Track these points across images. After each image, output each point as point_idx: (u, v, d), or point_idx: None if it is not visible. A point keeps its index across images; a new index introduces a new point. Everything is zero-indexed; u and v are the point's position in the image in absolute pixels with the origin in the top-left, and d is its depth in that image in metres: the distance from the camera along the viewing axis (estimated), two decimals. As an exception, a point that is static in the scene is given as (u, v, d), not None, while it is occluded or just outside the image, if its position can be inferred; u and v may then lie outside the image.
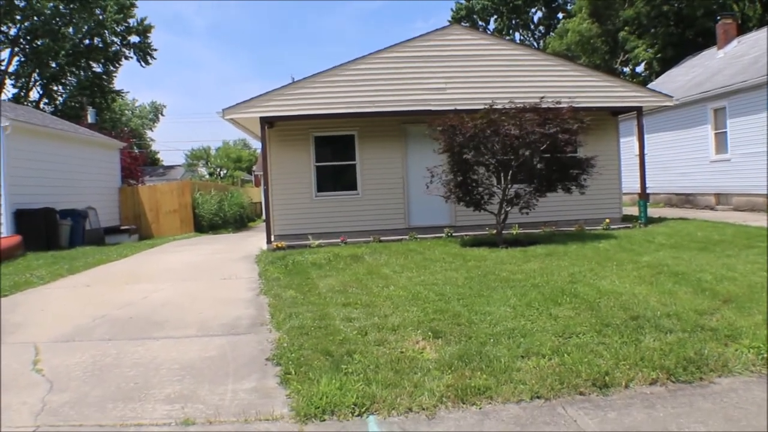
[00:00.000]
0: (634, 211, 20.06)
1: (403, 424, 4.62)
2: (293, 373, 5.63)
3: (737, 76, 23.27)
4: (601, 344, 6.03)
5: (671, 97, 19.52)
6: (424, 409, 4.80)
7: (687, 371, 5.34)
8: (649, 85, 31.59)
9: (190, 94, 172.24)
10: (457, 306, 7.86)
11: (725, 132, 23.04)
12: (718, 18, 31.57)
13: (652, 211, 22.53)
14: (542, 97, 14.78)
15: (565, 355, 5.73)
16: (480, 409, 4.81)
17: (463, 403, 4.87)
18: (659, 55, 44.30)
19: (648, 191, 21.46)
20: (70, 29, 46.75)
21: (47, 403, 5.28)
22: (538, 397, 4.95)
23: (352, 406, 4.83)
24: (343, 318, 7.58)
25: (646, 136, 21.92)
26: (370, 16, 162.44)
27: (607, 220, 17.85)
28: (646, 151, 20.56)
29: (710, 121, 23.91)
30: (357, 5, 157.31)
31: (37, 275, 13.13)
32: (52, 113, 41.99)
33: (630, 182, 22.87)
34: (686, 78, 29.46)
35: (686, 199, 25.98)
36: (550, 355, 5.78)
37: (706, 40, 38.15)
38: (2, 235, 17.87)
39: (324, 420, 4.70)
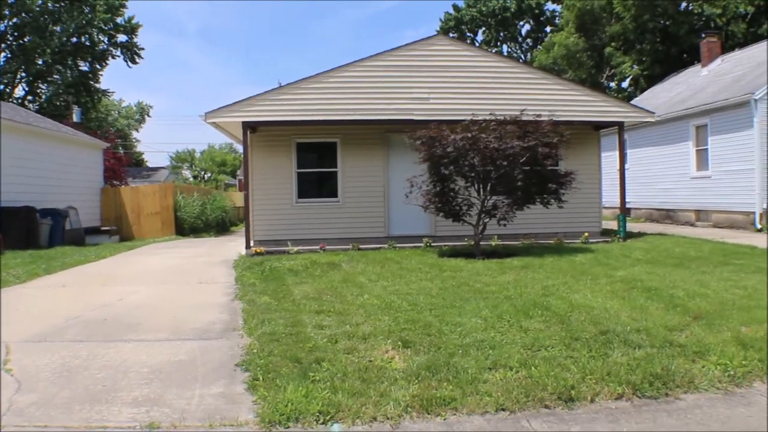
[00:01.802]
0: (614, 225, 20.16)
1: (367, 432, 4.64)
2: (261, 379, 5.63)
3: (720, 93, 23.50)
4: (569, 358, 6.06)
5: (653, 113, 19.66)
6: (388, 418, 4.81)
7: (653, 387, 5.37)
8: (632, 101, 31.79)
9: (177, 96, 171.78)
10: (429, 316, 7.88)
11: (706, 149, 23.24)
12: (703, 36, 31.86)
13: (632, 226, 22.69)
14: (523, 110, 14.86)
15: (533, 367, 5.75)
16: (444, 419, 4.82)
17: (428, 414, 4.88)
18: (645, 72, 44.64)
19: (629, 206, 21.65)
20: (58, 27, 46.53)
21: (14, 404, 5.24)
22: (503, 410, 4.97)
23: (317, 413, 4.83)
24: (315, 325, 7.58)
25: (628, 151, 22.18)
26: (362, 22, 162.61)
27: (586, 234, 17.93)
28: (627, 166, 20.79)
29: (692, 137, 24.12)
30: (349, 12, 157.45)
31: (13, 274, 13.05)
32: (37, 111, 41.68)
33: (611, 196, 22.99)
34: (670, 94, 29.71)
35: (667, 215, 26.16)
36: (518, 367, 5.79)
37: (691, 56, 38.56)
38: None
39: (288, 427, 4.70)
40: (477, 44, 57.19)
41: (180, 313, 8.95)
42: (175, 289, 11.33)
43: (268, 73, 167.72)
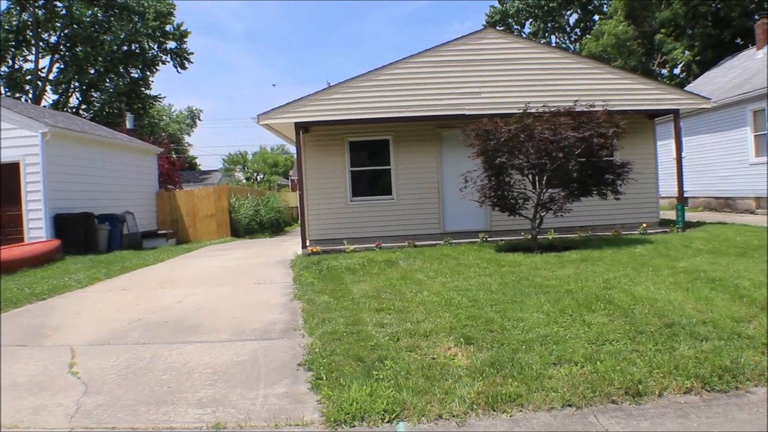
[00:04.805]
0: (671, 215, 19.82)
1: (433, 431, 4.62)
2: (324, 378, 5.66)
3: (777, 77, 22.89)
4: (635, 352, 5.96)
5: (709, 99, 19.25)
6: (454, 416, 4.79)
7: (722, 380, 5.24)
8: (686, 87, 31.17)
9: (227, 99, 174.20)
10: (490, 312, 7.82)
11: (765, 134, 22.67)
12: (757, 17, 31.06)
13: (690, 216, 22.25)
14: (576, 101, 14.68)
15: (598, 362, 5.67)
16: (510, 416, 4.78)
17: (494, 411, 4.85)
18: (698, 58, 43.72)
19: (686, 195, 21.19)
20: (109, 36, 47.41)
21: (81, 405, 5.37)
22: (569, 405, 4.91)
23: (382, 412, 4.84)
24: (376, 323, 7.58)
25: (683, 138, 21.72)
26: (406, 18, 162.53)
27: (644, 225, 17.64)
28: (684, 154, 20.35)
29: (749, 123, 23.53)
30: (393, 8, 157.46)
31: (74, 279, 13.34)
32: (91, 119, 42.63)
33: (668, 186, 22.59)
34: (724, 79, 29.04)
35: (725, 203, 25.60)
36: (583, 362, 5.72)
37: (744, 40, 37.64)
38: (42, 240, 18.18)
39: (354, 426, 4.71)
40: (524, 36, 56.55)
41: (240, 314, 9.03)
42: (233, 291, 11.44)
43: (315, 73, 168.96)
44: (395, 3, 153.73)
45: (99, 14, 47.03)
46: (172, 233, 25.35)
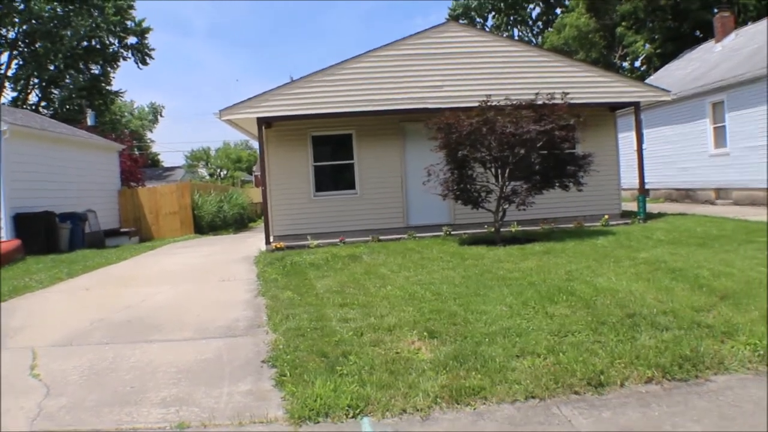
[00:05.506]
0: (633, 206, 20.02)
1: (398, 425, 4.62)
2: (288, 375, 5.63)
3: (735, 69, 23.22)
4: (597, 342, 6.01)
5: (669, 91, 19.48)
6: (418, 410, 4.79)
7: (683, 369, 5.32)
8: (647, 80, 31.54)
9: (189, 95, 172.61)
10: (454, 305, 7.85)
11: (724, 126, 23.00)
12: (716, 11, 31.50)
13: (652, 207, 22.53)
14: (537, 93, 14.76)
15: (561, 354, 5.71)
16: (474, 409, 4.80)
17: (458, 404, 4.86)
18: (658, 50, 44.24)
19: (647, 186, 21.45)
20: (68, 32, 46.71)
21: (44, 408, 5.28)
22: (532, 397, 4.94)
23: (347, 407, 4.82)
24: (340, 319, 7.57)
25: (644, 131, 22.00)
26: (371, 14, 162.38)
27: (606, 216, 17.84)
28: (645, 146, 20.62)
29: (709, 115, 23.88)
30: (358, 4, 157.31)
31: (36, 279, 13.13)
32: (51, 116, 41.91)
33: (630, 178, 22.83)
34: (684, 72, 29.42)
35: (686, 194, 25.95)
36: (546, 354, 5.76)
37: (704, 32, 38.13)
38: (2, 240, 17.89)
39: (318, 422, 4.69)
40: (487, 29, 56.76)
41: (204, 311, 8.97)
42: (197, 288, 11.36)
43: (279, 68, 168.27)
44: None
45: (58, 9, 46.25)
46: (134, 231, 25.09)
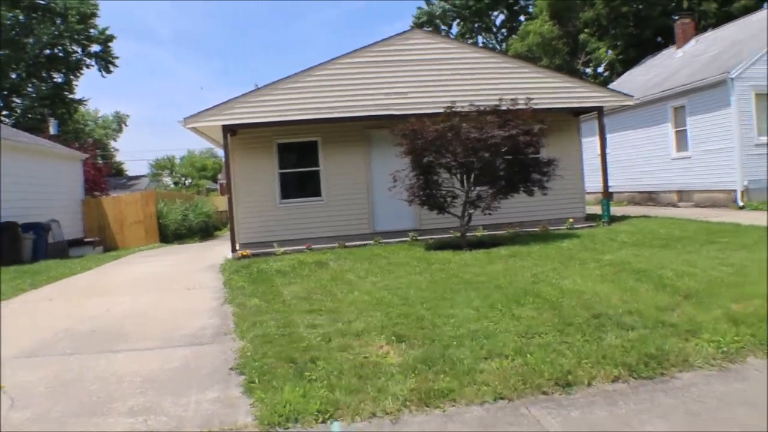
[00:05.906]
0: (598, 210, 20.25)
1: (367, 429, 4.62)
2: (257, 381, 5.60)
3: (696, 74, 23.61)
4: (564, 343, 6.07)
5: (631, 96, 19.77)
6: (387, 413, 4.79)
7: (648, 367, 5.41)
8: (609, 85, 31.91)
9: (154, 103, 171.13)
10: (421, 309, 7.87)
11: (685, 130, 23.36)
12: (677, 17, 31.98)
13: (616, 210, 22.77)
14: (501, 99, 14.85)
15: (528, 355, 5.77)
16: (443, 411, 4.81)
17: (427, 407, 4.88)
18: (620, 56, 44.80)
19: (611, 190, 21.74)
20: (31, 40, 46.12)
21: (8, 420, 5.19)
22: (501, 398, 4.97)
23: (316, 413, 4.81)
24: (307, 325, 7.55)
25: (608, 135, 22.24)
26: (336, 22, 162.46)
27: (571, 220, 18.00)
28: (608, 150, 20.82)
29: (670, 119, 24.23)
30: (323, 11, 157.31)
31: (-2, 290, 12.93)
32: (13, 126, 41.23)
33: (594, 181, 23.09)
34: (646, 77, 29.82)
35: (649, 197, 26.29)
36: (513, 355, 5.80)
37: (665, 38, 38.66)
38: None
39: (288, 428, 4.68)
40: (452, 37, 57.00)
41: (170, 320, 8.89)
42: (163, 297, 11.25)
43: (245, 77, 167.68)
44: (325, 4, 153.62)
45: (21, 17, 45.64)
46: (99, 241, 24.79)
